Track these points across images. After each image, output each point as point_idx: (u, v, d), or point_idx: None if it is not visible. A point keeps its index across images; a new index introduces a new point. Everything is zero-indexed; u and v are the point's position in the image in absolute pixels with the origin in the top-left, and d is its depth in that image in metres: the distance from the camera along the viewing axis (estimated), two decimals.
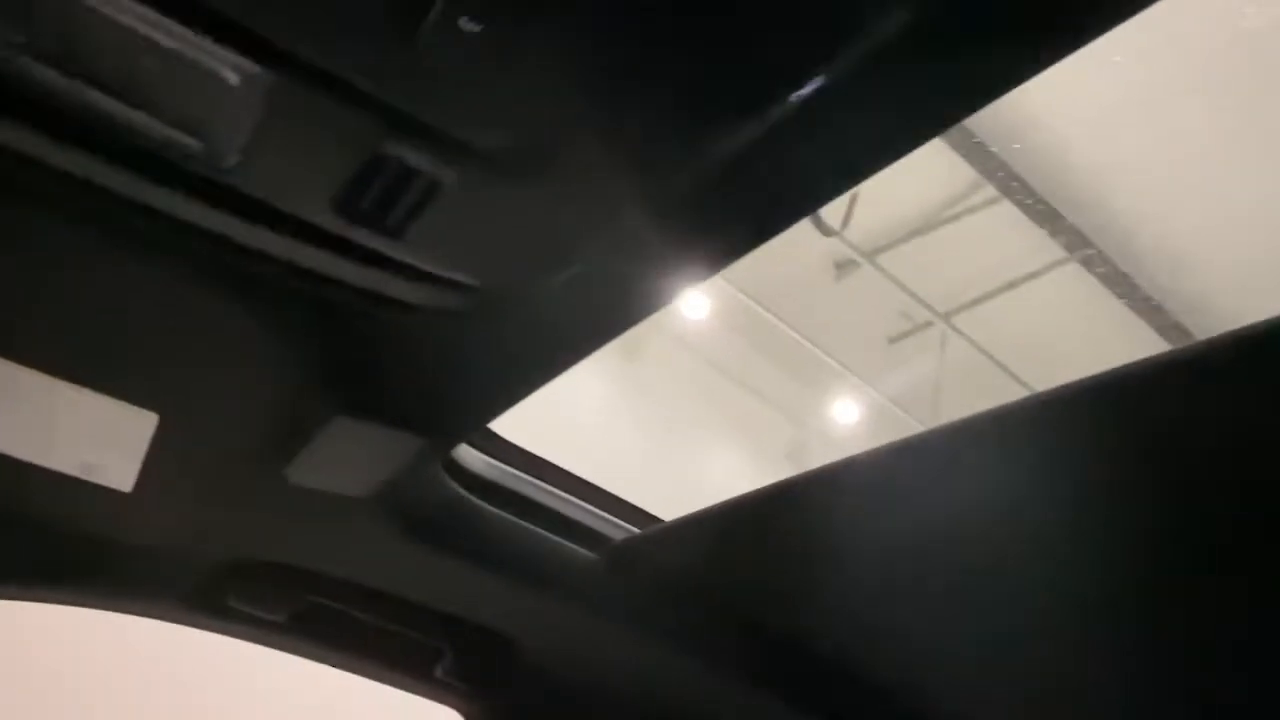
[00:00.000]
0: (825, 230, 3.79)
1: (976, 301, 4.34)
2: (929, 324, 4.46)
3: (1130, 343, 4.24)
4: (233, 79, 0.34)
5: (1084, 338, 4.39)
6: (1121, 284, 4.05)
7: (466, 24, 0.32)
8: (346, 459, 0.64)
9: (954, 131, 3.61)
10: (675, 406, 4.17)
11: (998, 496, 0.68)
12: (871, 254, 4.22)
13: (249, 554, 0.82)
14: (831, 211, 3.78)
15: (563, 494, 0.88)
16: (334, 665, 0.99)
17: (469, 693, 1.02)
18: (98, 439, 0.60)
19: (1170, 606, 0.71)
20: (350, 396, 0.57)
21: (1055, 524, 0.68)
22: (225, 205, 0.43)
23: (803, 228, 3.82)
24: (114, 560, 0.81)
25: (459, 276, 0.48)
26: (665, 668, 1.07)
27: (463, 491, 0.77)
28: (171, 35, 0.33)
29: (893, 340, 4.77)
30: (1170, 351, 0.51)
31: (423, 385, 0.59)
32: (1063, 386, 0.57)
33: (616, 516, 0.95)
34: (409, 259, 0.46)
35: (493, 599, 0.91)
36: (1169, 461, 0.58)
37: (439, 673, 0.98)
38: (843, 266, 4.49)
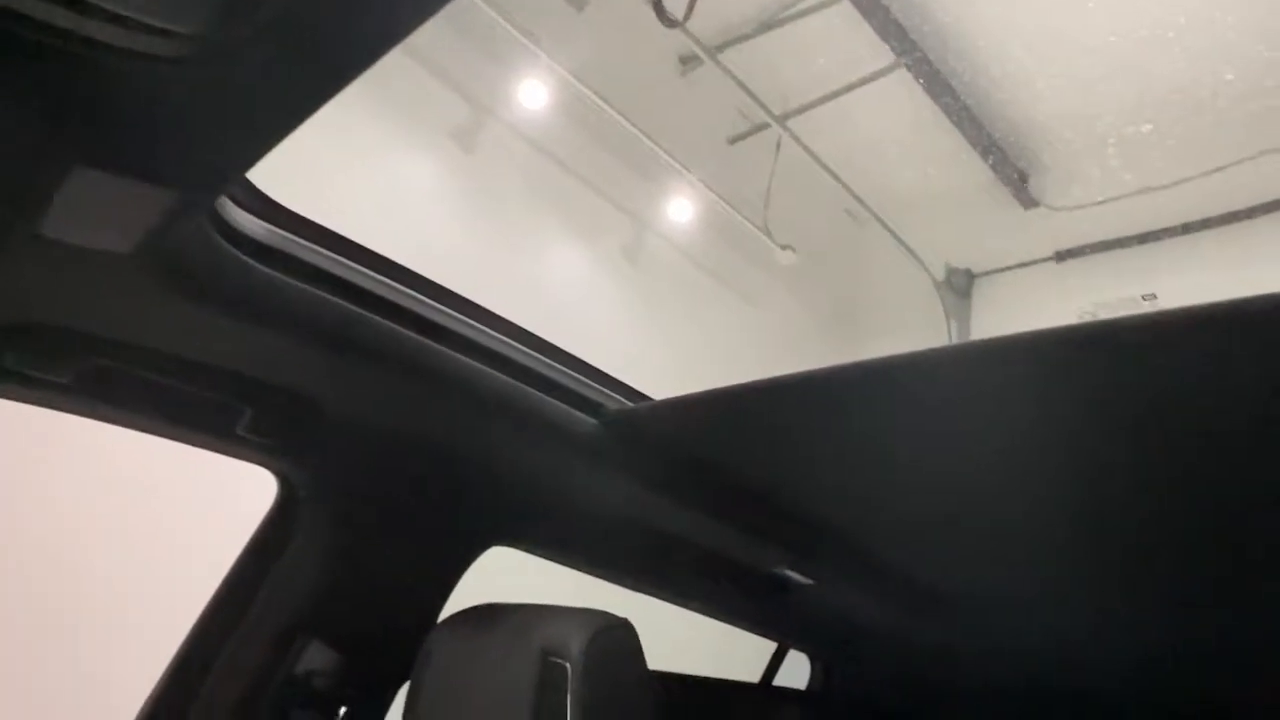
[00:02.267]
0: (668, 21, 3.69)
1: (811, 105, 4.44)
2: (766, 126, 4.55)
3: (946, 155, 4.52)
4: None
5: (908, 147, 4.63)
6: (945, 93, 4.24)
7: None
8: (98, 213, 0.65)
9: None
10: (509, 197, 4.13)
11: (990, 414, 0.93)
12: (715, 49, 4.18)
13: (21, 316, 0.82)
14: (674, 2, 3.67)
15: (341, 258, 0.90)
16: (132, 428, 1.00)
17: (274, 449, 1.07)
18: None
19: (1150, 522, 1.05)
20: (85, 147, 0.58)
21: (1028, 443, 0.92)
22: None
23: (646, 18, 3.71)
24: None
25: (168, 24, 0.49)
26: (471, 431, 1.17)
27: (235, 251, 0.79)
28: None
29: (731, 141, 4.84)
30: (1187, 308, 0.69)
31: (160, 134, 0.59)
32: (1067, 327, 0.76)
33: (391, 278, 0.98)
34: (112, 7, 0.47)
35: (284, 360, 0.95)
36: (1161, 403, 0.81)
37: (240, 430, 1.01)
38: (687, 62, 4.43)
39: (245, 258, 0.80)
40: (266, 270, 0.83)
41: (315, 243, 0.88)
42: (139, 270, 0.74)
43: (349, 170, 3.43)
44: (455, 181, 3.96)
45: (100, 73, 0.52)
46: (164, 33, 0.49)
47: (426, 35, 3.84)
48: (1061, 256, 4.84)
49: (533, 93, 4.01)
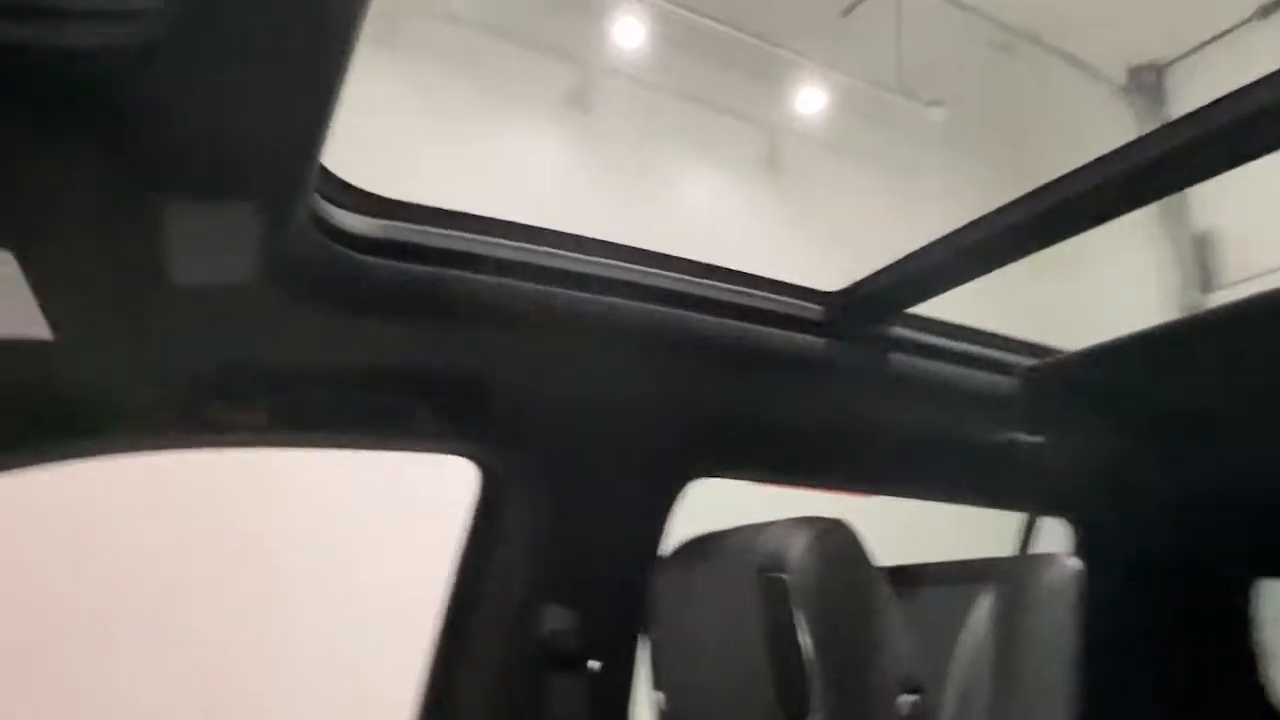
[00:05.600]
0: None
1: None
2: None
3: None
4: None
5: None
6: None
7: None
8: (202, 245, 0.66)
9: None
10: (636, 144, 4.07)
11: None
12: None
13: (207, 363, 0.86)
14: None
15: (461, 233, 0.89)
16: (331, 448, 1.06)
17: (463, 436, 1.08)
18: None
19: None
20: (156, 183, 0.58)
21: None
22: None
23: None
24: (60, 406, 0.85)
25: (130, 4, 0.47)
26: (653, 374, 1.14)
27: (349, 251, 0.79)
28: None
29: (845, 12, 4.50)
30: None
31: (202, 143, 0.58)
32: None
33: (521, 240, 0.96)
34: (72, 5, 0.46)
35: (442, 348, 0.96)
36: None
37: (424, 427, 1.03)
38: None
39: (361, 255, 0.81)
40: (389, 263, 0.83)
41: (428, 224, 0.88)
42: (263, 293, 0.77)
43: (475, 166, 3.51)
44: (581, 143, 3.96)
45: (103, 93, 0.51)
46: (130, 15, 0.47)
47: (511, 13, 3.83)
48: (1267, 10, 4.10)
49: (629, 31, 3.92)
